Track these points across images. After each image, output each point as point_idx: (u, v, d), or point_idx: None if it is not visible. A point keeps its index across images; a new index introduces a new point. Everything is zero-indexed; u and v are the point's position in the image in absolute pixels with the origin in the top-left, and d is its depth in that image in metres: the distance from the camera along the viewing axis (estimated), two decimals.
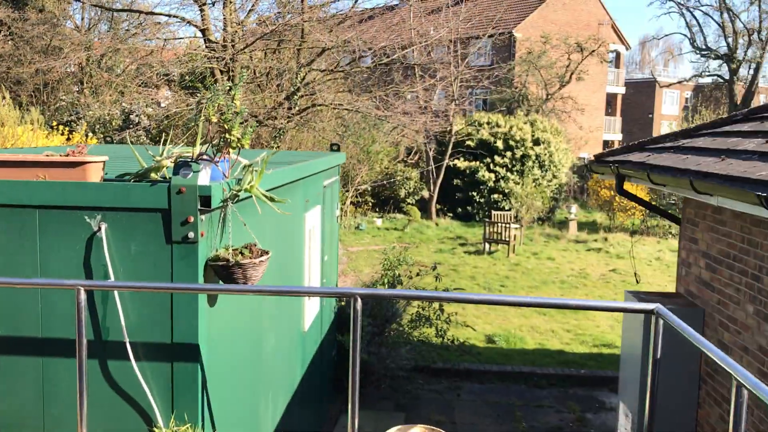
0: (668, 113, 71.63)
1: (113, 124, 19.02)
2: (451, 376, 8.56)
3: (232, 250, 3.05)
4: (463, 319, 9.97)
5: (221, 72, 17.33)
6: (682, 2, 36.52)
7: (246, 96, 17.63)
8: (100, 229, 2.91)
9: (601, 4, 43.71)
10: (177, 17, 16.77)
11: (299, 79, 17.95)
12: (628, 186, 6.87)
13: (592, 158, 7.96)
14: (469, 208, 23.74)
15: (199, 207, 2.85)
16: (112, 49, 20.25)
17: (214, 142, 2.99)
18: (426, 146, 22.82)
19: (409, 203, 23.66)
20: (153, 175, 3.04)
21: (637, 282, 10.67)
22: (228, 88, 3.03)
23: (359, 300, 2.65)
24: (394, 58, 17.63)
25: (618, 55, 45.94)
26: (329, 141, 20.90)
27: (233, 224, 3.19)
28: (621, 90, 47.86)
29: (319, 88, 18.34)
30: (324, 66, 18.34)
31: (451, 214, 23.86)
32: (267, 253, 3.10)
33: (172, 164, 3.03)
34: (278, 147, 19.38)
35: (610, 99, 47.39)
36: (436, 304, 8.04)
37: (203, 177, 2.89)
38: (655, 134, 69.47)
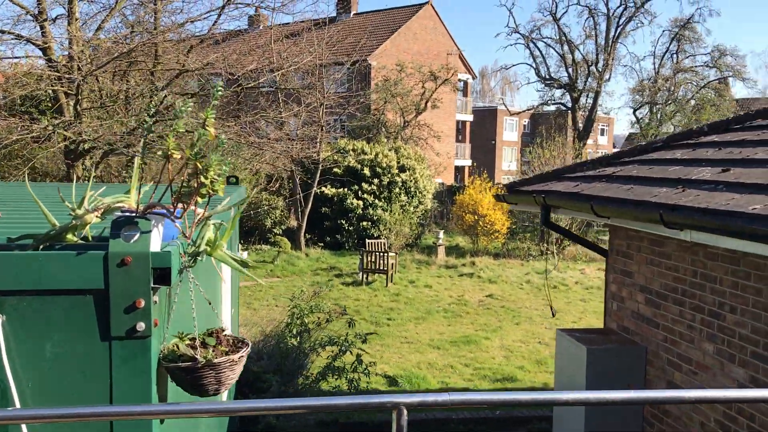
0: (509, 139, 75.86)
1: None
2: (364, 429, 7.78)
3: (190, 339, 2.15)
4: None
5: (66, 95, 15.48)
6: (526, 34, 38.57)
7: (91, 122, 15.91)
8: None
9: (449, 36, 45.29)
10: (12, 34, 14.76)
11: (153, 104, 16.50)
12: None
13: (502, 188, 7.62)
14: (338, 236, 23.13)
15: (152, 284, 1.94)
16: None
17: (184, 185, 2.07)
18: (293, 173, 21.96)
19: (276, 233, 22.62)
20: (70, 236, 2.08)
21: (553, 315, 10.50)
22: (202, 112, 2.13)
23: (405, 413, 1.86)
24: (261, 81, 16.71)
25: (465, 84, 47.76)
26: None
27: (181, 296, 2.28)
28: (469, 117, 49.77)
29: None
30: (186, 89, 17.02)
31: (321, 244, 23.10)
32: (245, 343, 2.22)
33: (100, 219, 2.08)
34: (130, 178, 17.68)
35: (460, 126, 49.06)
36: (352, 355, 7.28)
37: (155, 239, 1.98)
38: (498, 160, 73.33)
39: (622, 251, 6.15)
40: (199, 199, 2.04)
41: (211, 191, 2.03)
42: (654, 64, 36.15)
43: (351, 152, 23.96)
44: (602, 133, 73.08)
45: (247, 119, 16.91)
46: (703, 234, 4.15)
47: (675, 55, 35.70)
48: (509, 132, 75.36)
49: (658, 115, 34.23)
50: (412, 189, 24.27)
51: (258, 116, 18.47)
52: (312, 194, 22.48)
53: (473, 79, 48.50)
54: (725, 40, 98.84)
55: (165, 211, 2.08)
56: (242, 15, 26.94)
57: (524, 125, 78.50)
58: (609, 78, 36.79)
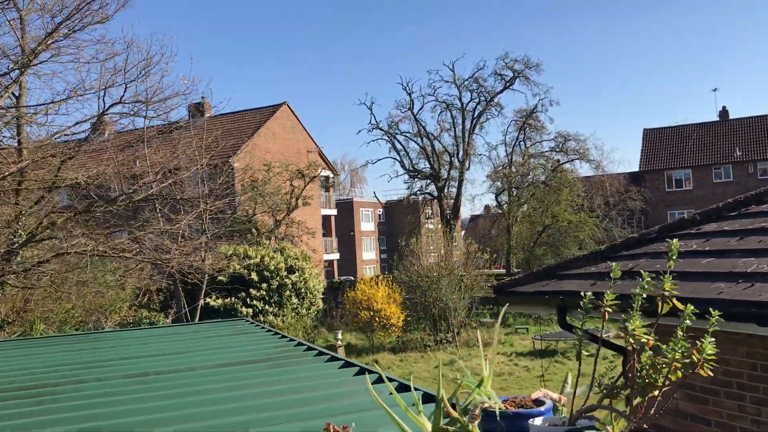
0: (367, 230, 77.10)
1: None
2: None
3: None
4: None
5: None
6: (387, 129, 39.92)
7: None
8: None
9: (308, 134, 45.90)
10: None
11: (22, 225, 14.88)
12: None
13: (493, 289, 7.37)
14: None
15: None
16: None
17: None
18: (177, 286, 20.49)
19: None
20: None
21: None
22: None
23: None
24: (151, 193, 15.61)
25: (327, 179, 48.26)
26: (69, 296, 17.63)
27: None
28: (333, 212, 50.10)
29: (49, 233, 15.37)
30: (62, 205, 15.49)
31: None
32: None
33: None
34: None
35: (325, 221, 49.15)
36: None
37: None
38: (358, 250, 73.97)
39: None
40: None
41: None
42: (506, 151, 38.82)
43: (235, 258, 22.90)
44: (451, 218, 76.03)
45: (126, 236, 15.62)
46: None
47: (523, 143, 38.59)
48: (366, 222, 76.80)
49: (518, 198, 36.46)
50: (303, 290, 23.52)
51: (139, 228, 17.16)
52: (199, 307, 21.03)
53: (334, 174, 49.19)
54: (568, 126, 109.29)
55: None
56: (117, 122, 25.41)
57: (379, 215, 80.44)
58: (469, 167, 38.89)
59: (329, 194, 48.57)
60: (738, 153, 48.82)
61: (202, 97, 31.76)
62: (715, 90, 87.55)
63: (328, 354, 4.23)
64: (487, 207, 46.57)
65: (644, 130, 55.05)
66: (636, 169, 51.17)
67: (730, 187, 49.07)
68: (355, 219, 72.81)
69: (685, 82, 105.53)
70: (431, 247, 28.36)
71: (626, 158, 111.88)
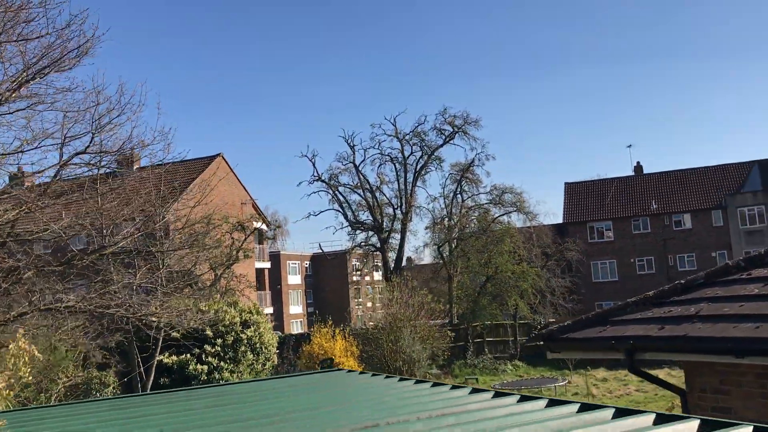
0: (293, 283, 76.11)
1: None
2: None
3: None
4: None
5: None
6: (328, 181, 40.01)
7: None
8: None
9: (242, 186, 45.36)
10: None
11: None
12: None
13: (541, 336, 7.49)
14: None
15: None
16: None
17: None
18: (133, 343, 19.55)
19: None
20: None
21: None
22: None
23: None
24: (120, 245, 15.01)
25: (261, 232, 47.62)
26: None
27: None
28: (267, 265, 49.32)
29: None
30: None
31: None
32: None
33: None
34: None
35: (259, 274, 48.27)
36: None
37: None
38: (285, 304, 72.70)
39: (714, 388, 6.28)
40: None
41: None
42: (445, 203, 39.63)
43: (188, 313, 22.09)
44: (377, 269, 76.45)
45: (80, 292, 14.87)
46: None
47: (460, 195, 39.59)
48: (293, 276, 75.82)
49: (462, 250, 37.12)
50: (258, 345, 22.87)
51: (102, 283, 16.39)
52: (154, 365, 20.10)
53: (268, 227, 48.65)
54: (495, 179, 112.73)
55: None
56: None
57: (306, 267, 79.65)
58: (411, 218, 39.41)
59: (263, 247, 47.89)
60: (654, 206, 51.71)
61: (132, 149, 30.91)
62: (629, 146, 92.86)
63: (489, 390, 4.21)
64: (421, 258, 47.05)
65: (566, 183, 57.59)
66: (560, 221, 53.22)
67: (648, 238, 51.79)
68: (282, 272, 71.80)
69: (601, 138, 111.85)
70: (379, 298, 28.36)
71: (552, 210, 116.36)
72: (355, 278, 75.88)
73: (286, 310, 71.63)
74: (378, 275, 71.36)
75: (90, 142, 15.60)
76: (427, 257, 41.69)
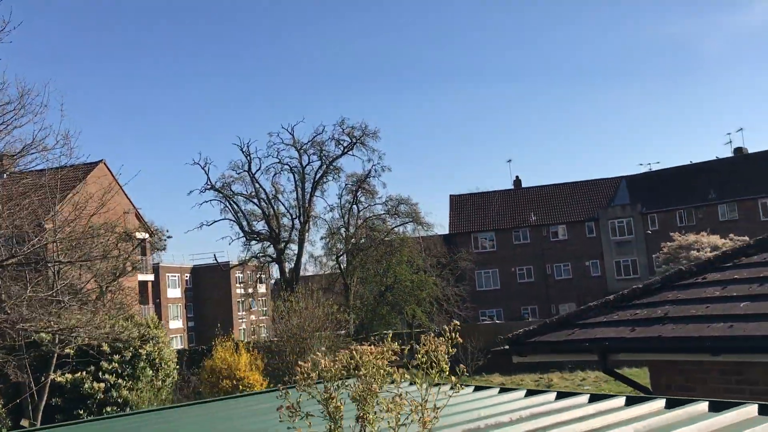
0: (173, 296, 73.19)
1: None
2: None
3: None
4: None
5: None
6: (221, 190, 38.94)
7: None
8: None
9: (125, 194, 43.17)
10: None
11: None
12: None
13: (508, 340, 7.71)
14: None
15: None
16: None
17: None
18: (24, 360, 18.08)
19: None
20: None
21: None
22: None
23: None
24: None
25: (144, 242, 45.50)
26: None
27: None
28: (150, 277, 47.15)
29: None
30: None
31: None
32: None
33: None
34: None
35: (142, 287, 46.01)
36: None
37: None
38: (165, 317, 69.70)
39: (679, 385, 6.72)
40: None
41: None
42: (341, 214, 39.72)
43: (78, 328, 20.73)
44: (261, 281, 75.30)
45: None
46: None
47: (356, 206, 39.85)
48: (173, 289, 72.96)
49: (361, 260, 37.27)
50: (158, 361, 21.83)
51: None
52: (47, 385, 18.68)
53: (151, 236, 46.54)
54: (401, 190, 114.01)
55: None
56: None
57: (186, 280, 76.89)
58: (309, 228, 39.11)
59: (147, 258, 45.77)
60: (533, 218, 54.47)
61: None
62: (509, 161, 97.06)
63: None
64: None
65: (450, 195, 59.48)
66: (446, 231, 54.81)
67: (528, 248, 54.46)
68: (161, 285, 68.87)
69: (482, 151, 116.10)
70: (276, 310, 27.88)
71: (438, 222, 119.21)
72: (238, 290, 74.18)
73: (165, 325, 68.73)
74: (262, 288, 70.16)
75: None
76: (313, 268, 41.43)
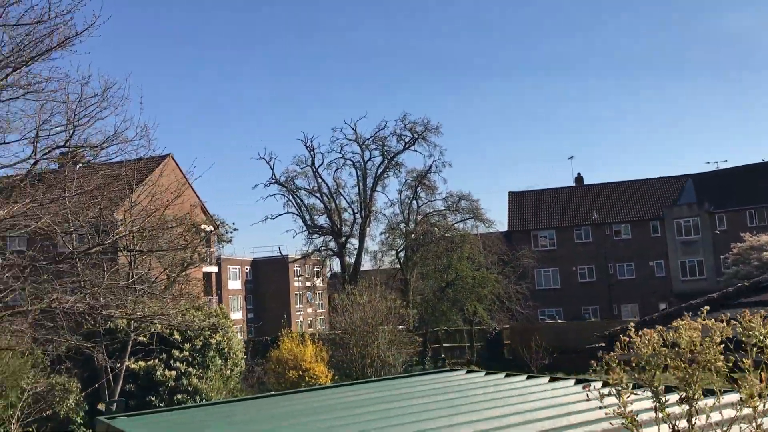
0: (234, 288, 74.67)
1: None
2: None
3: None
4: None
5: None
6: (285, 185, 39.50)
7: None
8: None
9: (192, 188, 44.18)
10: None
11: None
12: None
13: (605, 336, 7.55)
14: None
15: None
16: None
17: None
18: (102, 347, 18.66)
19: (78, 423, 18.67)
20: None
21: None
22: None
23: None
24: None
25: (209, 235, 46.56)
26: None
27: None
28: (214, 269, 48.21)
29: None
30: None
31: None
32: None
33: None
34: None
35: (206, 279, 47.14)
36: None
37: None
38: (226, 308, 71.18)
39: None
40: None
41: None
42: (401, 209, 39.81)
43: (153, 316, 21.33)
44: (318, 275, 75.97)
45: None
46: None
47: (415, 202, 39.85)
48: (233, 281, 74.42)
49: (422, 256, 37.31)
50: (226, 350, 22.31)
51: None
52: (123, 371, 19.29)
53: (215, 230, 47.60)
54: (462, 187, 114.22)
55: None
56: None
57: (246, 273, 78.34)
58: (369, 223, 39.33)
59: (211, 251, 46.80)
60: (596, 216, 53.37)
61: (76, 147, 29.92)
62: (571, 158, 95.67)
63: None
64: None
65: (509, 192, 58.79)
66: (505, 229, 54.20)
67: (589, 247, 53.41)
68: (223, 277, 70.30)
69: (541, 148, 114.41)
70: (338, 302, 28.09)
71: (497, 219, 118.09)
72: (296, 284, 75.21)
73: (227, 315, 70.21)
74: (319, 282, 70.90)
75: (70, 136, 14.93)
76: (369, 263, 41.55)
